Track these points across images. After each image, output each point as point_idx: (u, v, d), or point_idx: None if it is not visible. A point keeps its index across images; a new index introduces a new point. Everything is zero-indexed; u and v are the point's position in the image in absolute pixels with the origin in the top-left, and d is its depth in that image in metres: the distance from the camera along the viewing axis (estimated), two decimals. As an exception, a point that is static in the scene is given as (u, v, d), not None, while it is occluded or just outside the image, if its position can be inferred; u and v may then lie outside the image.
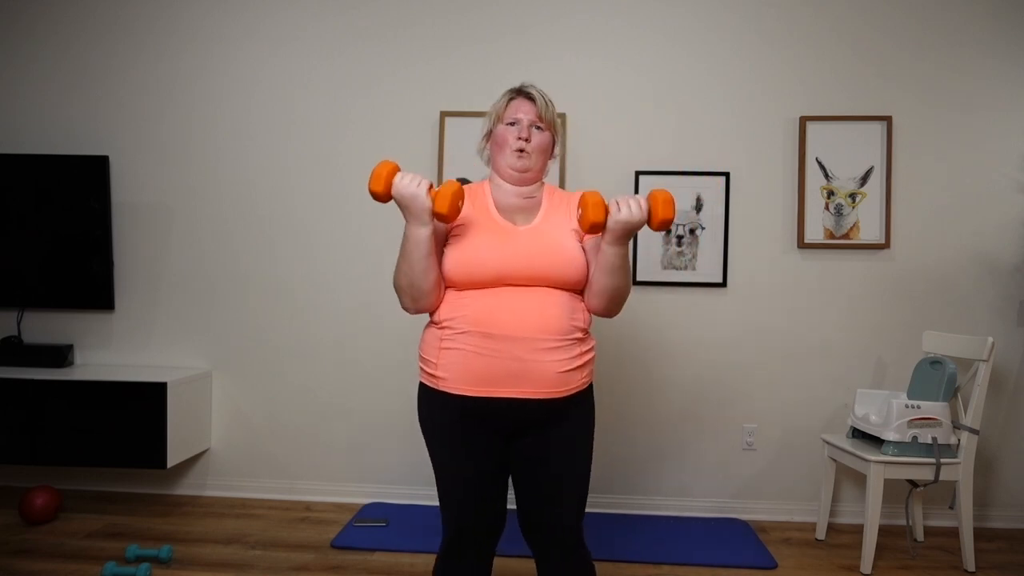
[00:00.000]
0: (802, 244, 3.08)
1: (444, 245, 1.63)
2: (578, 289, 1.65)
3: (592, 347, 1.66)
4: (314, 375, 3.23)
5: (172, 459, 2.95)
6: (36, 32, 3.26)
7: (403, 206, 1.55)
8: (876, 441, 2.65)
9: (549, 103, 1.73)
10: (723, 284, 3.11)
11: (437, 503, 3.13)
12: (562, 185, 3.09)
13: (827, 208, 3.08)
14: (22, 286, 3.20)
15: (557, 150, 1.81)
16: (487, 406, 1.56)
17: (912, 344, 3.04)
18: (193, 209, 3.25)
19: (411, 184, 1.53)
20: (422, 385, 1.66)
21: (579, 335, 1.61)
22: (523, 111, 1.71)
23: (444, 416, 1.61)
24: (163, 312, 3.26)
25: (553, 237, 1.63)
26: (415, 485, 3.19)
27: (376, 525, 2.91)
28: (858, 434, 2.77)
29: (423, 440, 1.69)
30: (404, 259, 1.59)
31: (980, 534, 2.90)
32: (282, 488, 3.25)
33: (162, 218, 3.25)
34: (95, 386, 2.91)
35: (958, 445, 2.58)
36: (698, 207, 3.11)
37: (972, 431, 2.57)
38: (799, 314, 3.11)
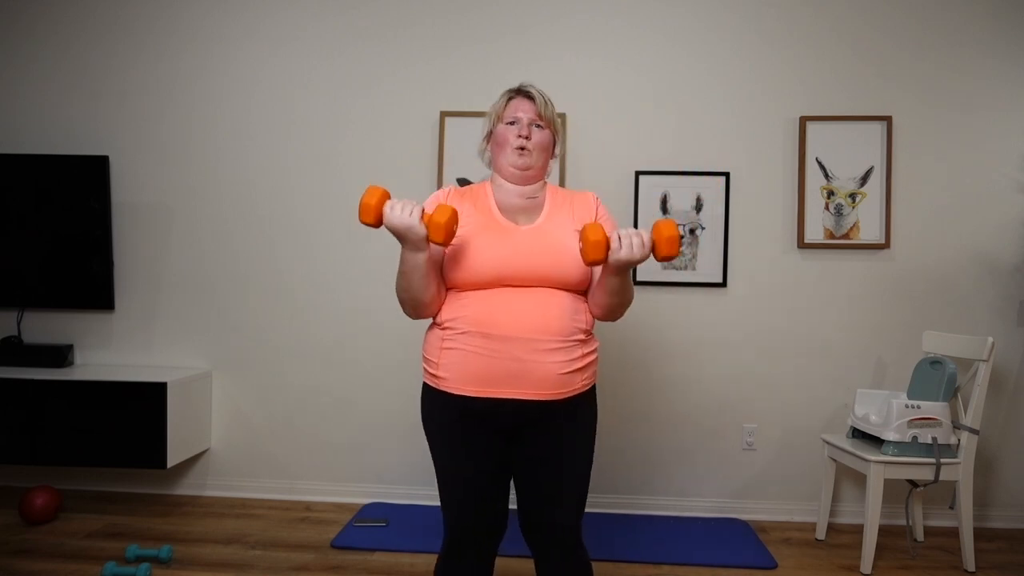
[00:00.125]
0: (802, 244, 3.08)
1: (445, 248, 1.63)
2: (581, 290, 1.65)
3: (595, 348, 1.66)
4: (314, 375, 3.23)
5: (172, 459, 2.95)
6: (36, 32, 3.27)
7: (397, 236, 1.52)
8: (876, 441, 2.65)
9: (548, 102, 1.73)
10: (723, 284, 3.11)
11: (437, 503, 3.15)
12: (562, 186, 3.09)
13: (827, 208, 3.08)
14: (22, 286, 3.20)
15: (558, 149, 1.81)
16: (487, 406, 1.56)
17: (912, 344, 3.04)
18: (193, 209, 3.25)
19: (403, 215, 1.48)
20: (425, 385, 1.67)
21: (581, 336, 1.60)
22: (522, 110, 1.72)
23: (445, 416, 1.62)
24: (163, 312, 3.26)
25: (555, 237, 1.62)
26: (415, 485, 3.19)
27: (376, 525, 2.91)
28: (858, 434, 2.77)
29: (423, 440, 1.70)
30: (403, 277, 1.59)
31: (980, 534, 2.90)
32: (282, 488, 3.25)
33: (162, 218, 3.26)
34: (95, 386, 2.91)
35: (958, 445, 2.58)
36: (698, 207, 3.11)
37: (972, 431, 2.57)
38: (799, 314, 3.11)
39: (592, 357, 1.64)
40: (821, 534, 2.90)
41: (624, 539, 2.82)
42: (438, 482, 1.67)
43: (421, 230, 1.49)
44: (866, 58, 3.08)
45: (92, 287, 3.19)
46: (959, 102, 3.06)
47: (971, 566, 2.60)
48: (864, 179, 3.07)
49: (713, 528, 2.98)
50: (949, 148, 3.06)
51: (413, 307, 1.63)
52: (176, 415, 2.96)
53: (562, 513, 1.62)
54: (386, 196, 1.51)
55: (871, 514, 2.53)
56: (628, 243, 1.47)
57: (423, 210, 1.52)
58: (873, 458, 2.53)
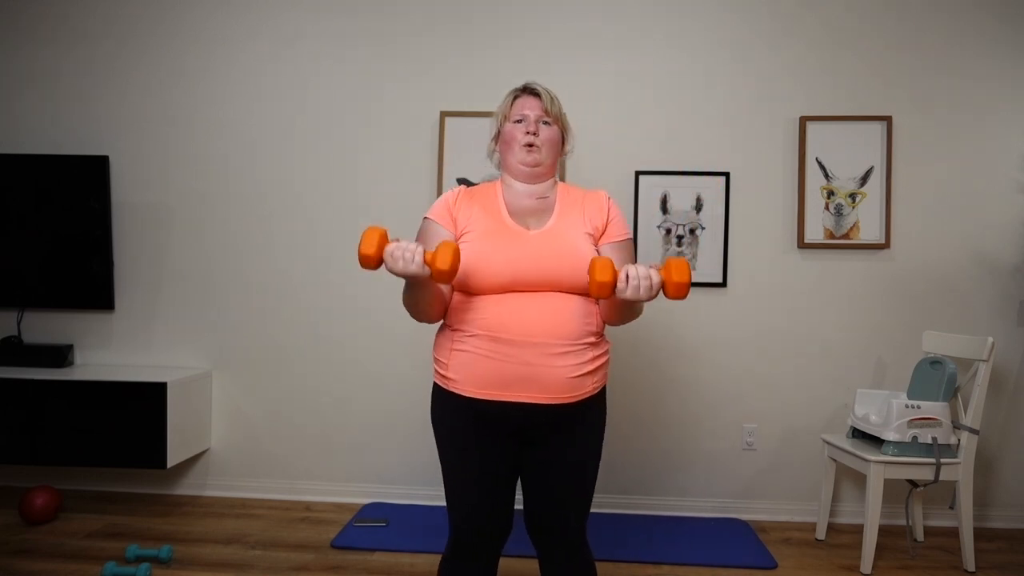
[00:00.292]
0: (802, 244, 3.08)
1: None
2: None
3: (606, 351, 1.64)
4: (314, 375, 3.23)
5: (172, 459, 2.94)
6: (37, 32, 3.27)
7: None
8: (876, 441, 2.65)
9: (554, 98, 1.73)
10: (723, 284, 3.11)
11: (437, 503, 3.15)
12: (562, 185, 3.09)
13: (827, 208, 3.08)
14: (22, 286, 3.20)
15: (568, 146, 1.79)
16: (496, 409, 1.55)
17: (912, 344, 3.04)
18: (193, 209, 3.25)
19: (406, 265, 1.43)
20: (435, 385, 1.67)
21: (592, 339, 1.58)
22: (529, 107, 1.71)
23: (455, 417, 1.61)
24: (163, 312, 3.26)
25: (566, 240, 1.60)
26: (415, 485, 3.19)
27: (376, 525, 2.91)
28: (858, 434, 2.77)
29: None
30: (409, 298, 1.60)
31: (980, 534, 2.90)
32: (282, 488, 3.25)
33: (162, 218, 3.25)
34: (95, 386, 2.91)
35: (958, 445, 2.58)
36: (698, 207, 3.11)
37: (972, 431, 2.57)
38: (799, 314, 3.11)
39: (603, 360, 1.62)
40: (821, 534, 2.90)
41: (624, 539, 2.82)
42: (445, 482, 1.66)
43: (425, 273, 1.45)
44: (866, 58, 3.08)
45: (92, 287, 3.19)
46: (959, 102, 3.06)
47: (971, 566, 2.60)
48: (864, 179, 3.07)
49: (713, 528, 2.98)
50: (949, 148, 3.06)
51: (419, 318, 1.65)
52: (176, 415, 2.96)
53: (569, 515, 1.62)
54: (384, 240, 1.44)
55: (871, 514, 2.53)
56: (635, 285, 1.42)
57: (424, 251, 1.46)
58: (873, 458, 2.53)
